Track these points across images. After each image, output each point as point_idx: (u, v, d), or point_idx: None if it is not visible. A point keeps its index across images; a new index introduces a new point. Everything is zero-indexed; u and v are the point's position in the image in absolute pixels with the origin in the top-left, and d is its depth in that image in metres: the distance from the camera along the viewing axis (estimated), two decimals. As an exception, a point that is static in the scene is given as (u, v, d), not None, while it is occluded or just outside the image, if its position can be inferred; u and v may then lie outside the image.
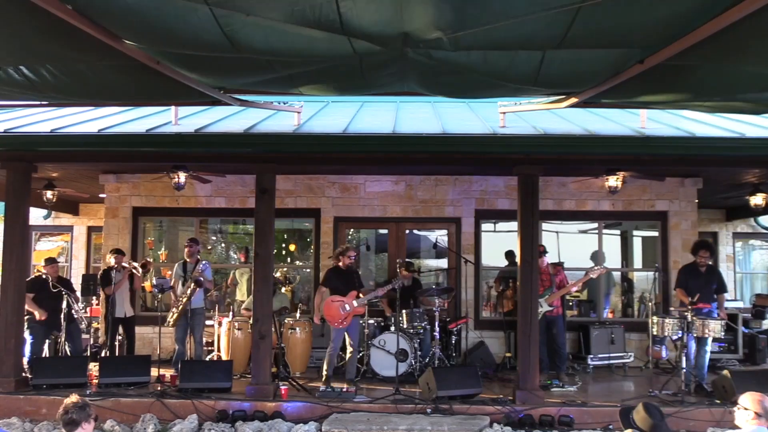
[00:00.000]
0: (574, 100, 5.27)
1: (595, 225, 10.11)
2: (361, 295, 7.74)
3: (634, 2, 3.26)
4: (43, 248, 13.52)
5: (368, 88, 5.26)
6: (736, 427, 3.77)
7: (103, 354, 8.35)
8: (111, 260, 8.62)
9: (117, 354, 8.45)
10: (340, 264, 7.87)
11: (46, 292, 8.06)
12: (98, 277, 8.95)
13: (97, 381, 7.35)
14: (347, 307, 7.58)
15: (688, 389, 7.07)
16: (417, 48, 3.84)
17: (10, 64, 4.20)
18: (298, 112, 7.53)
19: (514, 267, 8.44)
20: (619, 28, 3.54)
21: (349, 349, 7.77)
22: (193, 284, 8.06)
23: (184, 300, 8.10)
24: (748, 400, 3.66)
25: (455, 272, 9.79)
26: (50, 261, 8.46)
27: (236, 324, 8.38)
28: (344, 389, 7.01)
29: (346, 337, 7.75)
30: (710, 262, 7.73)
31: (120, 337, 8.66)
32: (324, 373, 7.67)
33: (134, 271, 8.63)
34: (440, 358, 8.20)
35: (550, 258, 8.59)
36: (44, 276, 8.24)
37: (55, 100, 5.83)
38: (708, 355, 7.56)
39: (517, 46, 3.85)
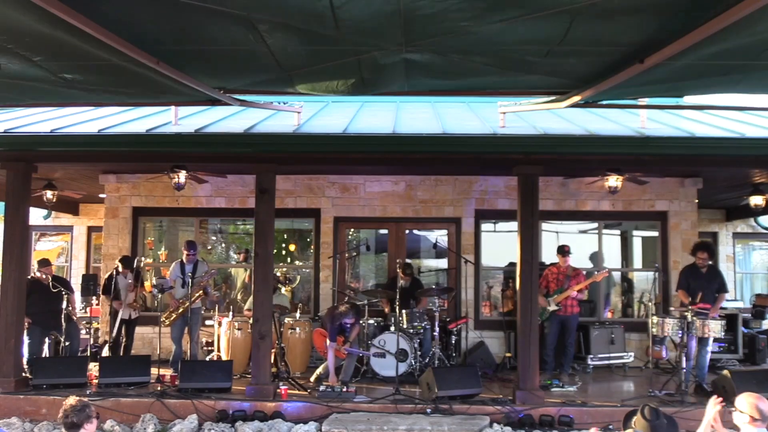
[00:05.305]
0: (574, 99, 5.24)
1: (595, 225, 10.11)
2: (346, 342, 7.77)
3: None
4: (43, 248, 13.51)
5: (368, 86, 5.19)
6: (736, 427, 3.76)
7: (105, 353, 8.34)
8: (119, 267, 8.62)
9: (121, 353, 8.45)
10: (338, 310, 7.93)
11: (44, 293, 8.04)
12: (103, 281, 8.94)
13: (97, 381, 7.36)
14: (332, 346, 7.64)
15: (686, 389, 7.07)
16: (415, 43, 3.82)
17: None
18: (298, 112, 7.52)
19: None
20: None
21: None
22: (200, 291, 8.18)
23: (187, 304, 8.10)
24: (744, 403, 3.64)
25: (455, 272, 9.79)
26: (44, 263, 8.39)
27: (236, 324, 8.38)
28: (344, 389, 7.02)
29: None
30: (710, 263, 7.72)
31: (122, 339, 8.64)
32: (317, 371, 7.90)
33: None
34: (440, 358, 8.20)
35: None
36: (43, 276, 8.21)
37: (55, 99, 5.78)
38: (708, 356, 7.57)
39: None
